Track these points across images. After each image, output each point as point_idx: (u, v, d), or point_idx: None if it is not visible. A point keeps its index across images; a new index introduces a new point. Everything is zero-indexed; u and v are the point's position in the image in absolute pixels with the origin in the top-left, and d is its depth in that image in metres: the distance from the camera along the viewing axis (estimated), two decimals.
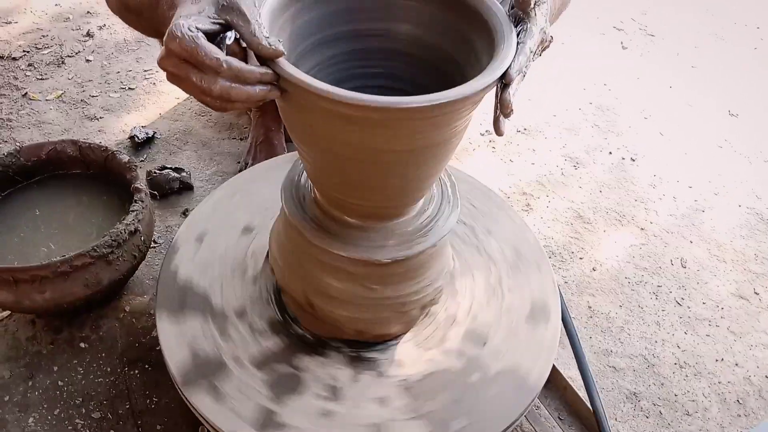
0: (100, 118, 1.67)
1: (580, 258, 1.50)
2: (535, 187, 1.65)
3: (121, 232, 1.14)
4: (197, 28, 0.65)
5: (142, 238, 1.20)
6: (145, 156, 1.59)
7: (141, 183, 1.23)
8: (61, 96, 1.72)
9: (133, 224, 1.16)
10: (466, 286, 1.02)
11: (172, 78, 0.67)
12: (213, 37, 0.68)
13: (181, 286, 1.05)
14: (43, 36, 1.89)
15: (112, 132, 1.64)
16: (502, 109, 0.74)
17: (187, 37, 0.64)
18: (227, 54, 0.69)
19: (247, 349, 0.97)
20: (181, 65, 0.65)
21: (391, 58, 0.93)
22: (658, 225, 1.61)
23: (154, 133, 1.63)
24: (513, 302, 1.00)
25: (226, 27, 0.69)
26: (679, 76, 2.12)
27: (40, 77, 1.76)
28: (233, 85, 0.65)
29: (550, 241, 1.53)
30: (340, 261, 0.90)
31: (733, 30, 2.37)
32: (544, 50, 0.81)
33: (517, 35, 0.76)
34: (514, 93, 0.73)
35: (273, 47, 0.68)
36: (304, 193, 0.94)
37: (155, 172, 1.48)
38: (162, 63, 0.66)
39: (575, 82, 2.01)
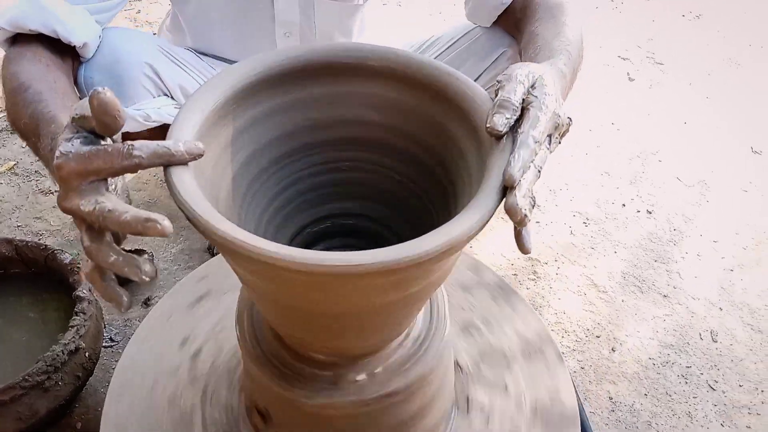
0: (56, 191, 1.50)
1: (597, 336, 1.32)
2: (542, 251, 1.48)
3: (58, 355, 0.97)
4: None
5: (87, 354, 1.03)
6: None
7: (84, 288, 1.06)
8: (13, 168, 1.56)
9: (74, 342, 0.99)
10: None
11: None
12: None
13: None
14: None
15: None
16: (511, 217, 0.56)
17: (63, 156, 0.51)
18: None
19: None
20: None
21: (360, 149, 0.76)
22: (683, 290, 1.43)
23: None
24: None
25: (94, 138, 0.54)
26: (694, 109, 1.94)
27: None
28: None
29: (562, 316, 1.35)
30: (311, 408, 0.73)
31: (749, 53, 2.20)
32: (563, 136, 0.64)
33: (519, 126, 0.59)
34: (524, 195, 0.55)
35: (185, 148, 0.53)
36: (260, 324, 0.77)
37: None
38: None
39: (581, 122, 1.84)
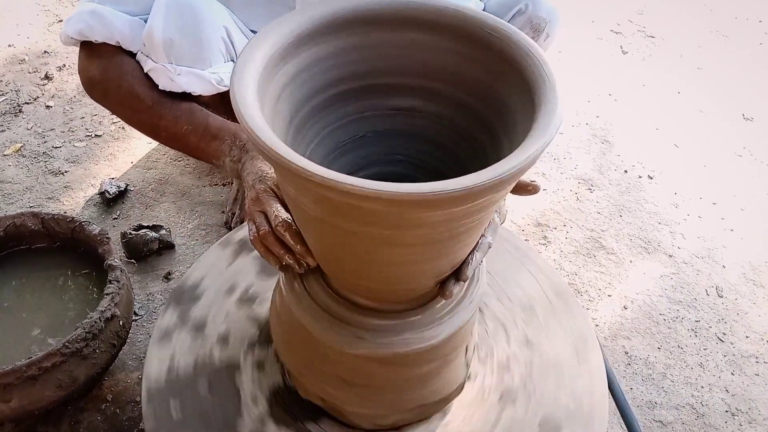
0: (65, 171, 1.50)
1: (609, 295, 1.36)
2: (550, 217, 1.51)
3: (95, 322, 0.98)
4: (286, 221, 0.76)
5: (121, 323, 1.04)
6: (118, 213, 1.42)
7: (115, 258, 1.07)
8: (20, 149, 1.55)
9: (110, 310, 1.01)
10: None
11: (263, 250, 0.78)
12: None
13: None
14: None
15: (79, 187, 1.47)
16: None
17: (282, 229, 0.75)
18: None
19: None
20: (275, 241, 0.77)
21: (418, 97, 0.78)
22: (687, 250, 1.48)
23: (127, 185, 1.46)
24: None
25: None
26: (686, 79, 2.00)
27: None
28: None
29: (574, 277, 1.39)
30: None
31: (735, 26, 2.26)
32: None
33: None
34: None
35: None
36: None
37: (130, 234, 1.32)
38: (262, 237, 0.77)
39: (579, 94, 1.88)
